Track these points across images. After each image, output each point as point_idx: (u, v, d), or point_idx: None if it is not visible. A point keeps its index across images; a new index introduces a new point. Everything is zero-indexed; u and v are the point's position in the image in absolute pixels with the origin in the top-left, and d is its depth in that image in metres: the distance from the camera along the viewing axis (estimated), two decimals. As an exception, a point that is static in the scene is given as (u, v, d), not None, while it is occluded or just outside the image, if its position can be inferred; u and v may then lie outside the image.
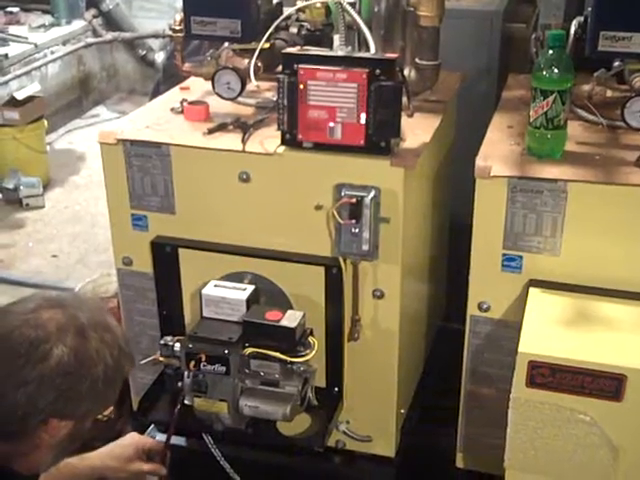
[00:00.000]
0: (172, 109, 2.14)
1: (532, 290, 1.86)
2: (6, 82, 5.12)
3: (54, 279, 3.87)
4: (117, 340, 1.50)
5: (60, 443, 1.50)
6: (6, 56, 5.20)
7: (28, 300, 1.48)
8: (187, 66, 2.19)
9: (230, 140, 1.96)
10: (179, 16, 2.10)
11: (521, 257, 1.89)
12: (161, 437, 2.06)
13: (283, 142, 1.89)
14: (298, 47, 2.06)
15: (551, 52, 1.80)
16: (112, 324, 1.52)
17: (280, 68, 1.87)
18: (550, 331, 1.74)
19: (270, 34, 2.01)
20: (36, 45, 5.52)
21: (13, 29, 5.66)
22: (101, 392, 1.47)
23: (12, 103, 4.77)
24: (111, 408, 2.32)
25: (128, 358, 1.54)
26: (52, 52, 5.68)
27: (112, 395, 1.54)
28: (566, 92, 1.81)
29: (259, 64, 2.03)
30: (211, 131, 2.00)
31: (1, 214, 4.47)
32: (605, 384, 1.63)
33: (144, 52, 6.24)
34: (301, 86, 1.81)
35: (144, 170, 2.02)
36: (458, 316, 2.05)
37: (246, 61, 2.06)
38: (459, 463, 2.15)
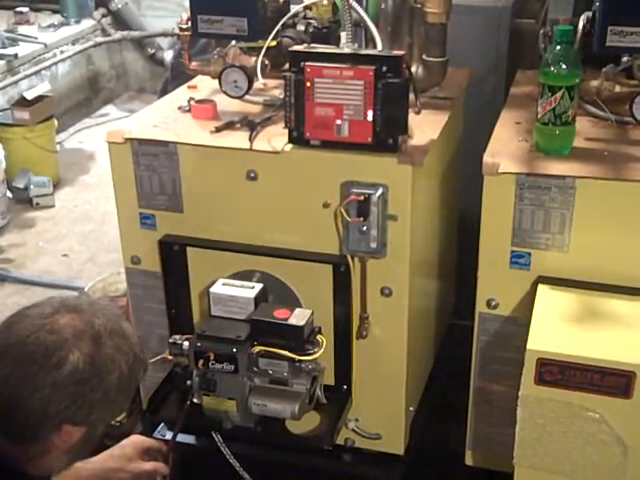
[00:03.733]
0: (180, 108, 2.14)
1: (540, 287, 1.86)
2: (16, 82, 5.13)
3: (65, 278, 3.88)
4: (132, 347, 1.50)
5: (72, 448, 1.50)
6: (16, 56, 5.20)
7: (45, 304, 1.48)
8: (194, 64, 2.19)
9: (237, 138, 1.96)
10: (186, 15, 2.10)
11: (529, 254, 1.88)
12: (170, 436, 2.06)
13: (290, 140, 1.88)
14: (305, 45, 2.05)
15: (559, 48, 1.79)
16: (128, 331, 1.52)
17: (287, 66, 1.87)
18: (559, 328, 1.73)
19: (277, 32, 2.01)
20: (46, 45, 5.53)
21: (23, 29, 5.67)
22: (114, 399, 1.48)
23: (22, 103, 4.78)
24: (124, 414, 2.34)
25: (142, 365, 1.55)
26: (62, 52, 5.69)
27: (125, 402, 1.54)
28: (574, 88, 1.80)
29: (266, 62, 2.03)
30: (218, 129, 2.00)
31: (12, 214, 4.48)
32: (614, 381, 1.63)
33: (153, 51, 6.24)
34: (308, 84, 1.81)
35: (152, 169, 2.02)
36: (468, 313, 2.04)
37: (253, 59, 2.06)
38: (468, 461, 2.15)
